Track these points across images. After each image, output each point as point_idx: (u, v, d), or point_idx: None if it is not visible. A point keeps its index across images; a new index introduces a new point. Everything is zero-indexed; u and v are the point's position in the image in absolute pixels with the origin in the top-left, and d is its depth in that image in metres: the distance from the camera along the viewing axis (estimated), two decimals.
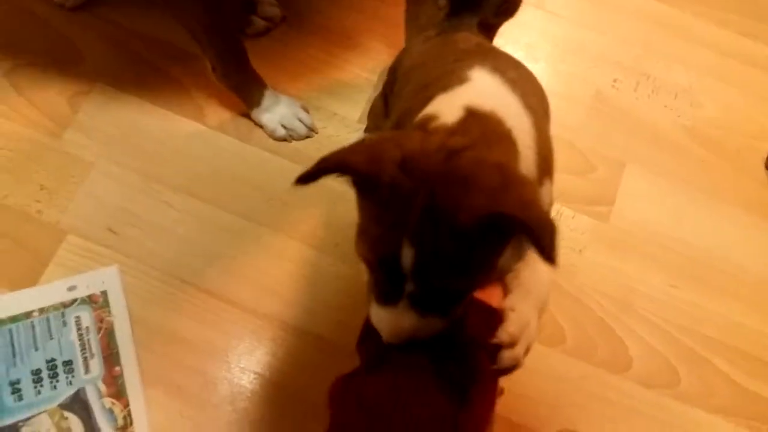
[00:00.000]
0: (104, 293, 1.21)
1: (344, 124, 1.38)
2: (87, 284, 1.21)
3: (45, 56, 1.39)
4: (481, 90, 0.72)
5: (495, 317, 0.71)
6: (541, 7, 1.52)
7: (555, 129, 0.83)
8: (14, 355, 1.15)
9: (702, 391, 1.24)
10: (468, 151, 0.61)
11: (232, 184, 1.32)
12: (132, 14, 1.44)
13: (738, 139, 1.44)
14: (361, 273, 1.21)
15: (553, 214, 0.93)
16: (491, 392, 0.70)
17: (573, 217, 1.34)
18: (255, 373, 1.19)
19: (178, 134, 1.35)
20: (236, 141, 1.35)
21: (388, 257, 0.61)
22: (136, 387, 1.15)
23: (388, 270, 0.62)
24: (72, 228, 1.26)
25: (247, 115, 1.35)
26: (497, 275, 0.75)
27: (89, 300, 1.20)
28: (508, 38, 0.88)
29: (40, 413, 1.12)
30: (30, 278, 1.22)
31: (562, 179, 0.81)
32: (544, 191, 0.75)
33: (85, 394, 1.14)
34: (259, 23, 1.42)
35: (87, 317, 1.19)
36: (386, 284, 0.65)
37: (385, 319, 0.66)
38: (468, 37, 0.88)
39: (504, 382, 0.77)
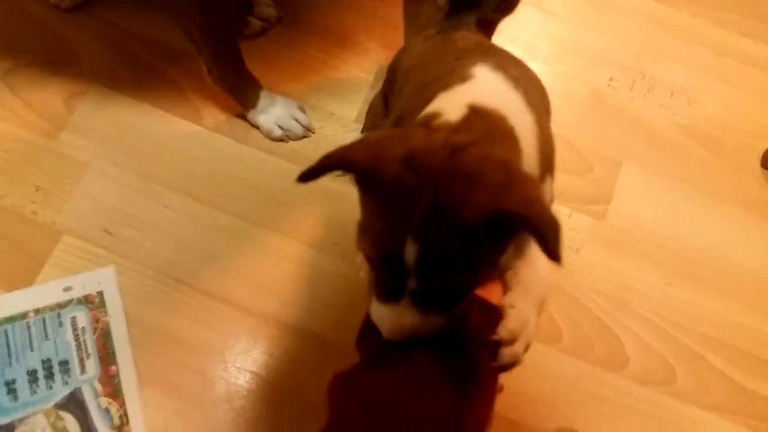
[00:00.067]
0: (100, 294, 1.21)
1: (341, 123, 1.38)
2: (83, 284, 1.21)
3: (41, 57, 1.39)
4: (483, 87, 0.72)
5: (495, 314, 0.71)
6: (539, 6, 1.53)
7: (552, 128, 0.83)
8: (10, 356, 1.15)
9: (698, 388, 1.25)
10: (472, 148, 0.61)
11: (228, 185, 1.31)
12: (129, 15, 1.43)
13: (736, 138, 1.45)
14: (360, 270, 1.22)
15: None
16: (491, 389, 0.70)
17: (570, 216, 1.34)
18: (252, 372, 1.19)
19: (174, 135, 1.35)
20: (233, 141, 1.35)
21: (391, 254, 0.61)
22: (133, 387, 1.15)
23: (391, 266, 0.62)
24: (68, 229, 1.26)
25: (243, 116, 1.35)
26: (497, 273, 0.74)
27: (85, 300, 1.20)
28: (506, 38, 0.88)
29: (35, 413, 1.12)
30: (26, 279, 1.21)
31: (559, 178, 0.81)
32: (546, 189, 0.75)
33: (81, 393, 1.14)
34: (256, 24, 1.42)
35: (83, 317, 1.18)
36: (388, 281, 0.64)
37: (387, 317, 0.66)
38: (467, 36, 0.88)
39: (502, 379, 0.77)
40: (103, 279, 1.22)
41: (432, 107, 0.70)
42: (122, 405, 1.14)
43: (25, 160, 1.30)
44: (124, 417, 1.13)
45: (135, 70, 1.39)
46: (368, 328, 0.71)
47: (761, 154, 1.43)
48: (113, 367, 1.16)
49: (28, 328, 1.17)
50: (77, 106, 1.35)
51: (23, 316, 1.18)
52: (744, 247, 1.36)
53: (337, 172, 0.61)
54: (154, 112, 1.36)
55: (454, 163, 0.60)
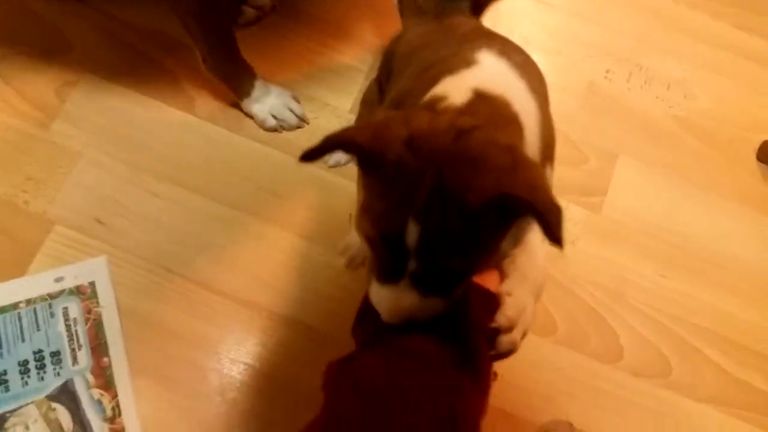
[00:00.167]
0: (92, 284, 1.20)
1: (336, 114, 1.37)
2: (75, 275, 1.20)
3: (33, 46, 1.37)
4: (489, 73, 0.72)
5: (492, 302, 0.71)
6: None
7: None
8: (1, 347, 1.14)
9: (693, 380, 1.25)
10: (477, 132, 0.61)
11: (221, 175, 1.30)
12: (123, 4, 1.42)
13: (731, 131, 1.45)
14: (341, 255, 1.21)
15: None
16: (487, 376, 0.69)
17: (565, 208, 1.33)
18: (245, 363, 1.18)
19: (167, 124, 1.34)
20: (226, 131, 1.34)
21: (392, 234, 0.61)
22: (125, 378, 1.14)
23: (391, 247, 0.62)
24: (59, 218, 1.25)
25: (237, 106, 1.34)
26: (496, 259, 0.74)
27: (77, 291, 1.19)
28: (502, 28, 0.88)
29: (27, 404, 1.11)
30: (17, 269, 1.20)
31: (555, 170, 0.81)
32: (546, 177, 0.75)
33: (73, 385, 1.13)
34: (250, 12, 1.41)
35: (75, 308, 1.17)
36: (388, 262, 0.64)
37: (386, 298, 0.66)
38: (465, 21, 0.88)
39: (496, 369, 0.77)
40: (95, 269, 1.21)
41: (437, 90, 0.70)
42: (114, 396, 1.13)
43: (17, 150, 1.29)
44: (117, 408, 1.12)
45: (128, 59, 1.38)
46: (365, 314, 0.71)
47: (756, 146, 1.43)
48: (105, 359, 1.15)
49: (20, 318, 1.16)
50: (69, 96, 1.34)
51: (14, 306, 1.17)
52: (738, 239, 1.36)
53: (332, 161, 0.60)
54: (147, 101, 1.35)
55: (459, 146, 0.59)
